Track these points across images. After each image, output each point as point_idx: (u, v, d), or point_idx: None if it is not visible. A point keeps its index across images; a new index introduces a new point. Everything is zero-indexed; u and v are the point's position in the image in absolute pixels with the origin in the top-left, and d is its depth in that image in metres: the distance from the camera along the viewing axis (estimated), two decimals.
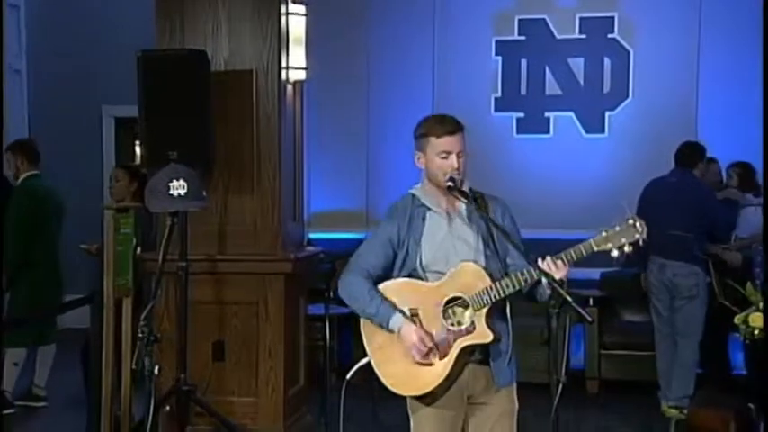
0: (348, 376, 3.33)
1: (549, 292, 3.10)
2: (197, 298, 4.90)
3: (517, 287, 3.10)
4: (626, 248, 3.07)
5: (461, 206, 3.25)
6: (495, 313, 3.18)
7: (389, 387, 3.22)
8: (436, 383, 3.16)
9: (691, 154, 6.23)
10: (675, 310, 6.13)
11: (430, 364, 3.14)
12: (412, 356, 3.14)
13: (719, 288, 6.20)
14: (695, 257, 6.08)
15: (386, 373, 3.22)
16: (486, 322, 3.12)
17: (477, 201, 3.22)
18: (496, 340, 3.16)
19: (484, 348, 3.19)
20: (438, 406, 3.22)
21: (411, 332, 3.12)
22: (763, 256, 5.51)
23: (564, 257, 3.08)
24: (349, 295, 3.24)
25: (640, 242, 3.07)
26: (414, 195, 3.28)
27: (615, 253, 3.08)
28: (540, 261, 3.07)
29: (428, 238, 3.21)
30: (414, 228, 3.22)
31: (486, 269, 3.16)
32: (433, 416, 3.23)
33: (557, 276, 3.04)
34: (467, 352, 3.16)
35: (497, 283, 3.11)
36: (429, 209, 3.24)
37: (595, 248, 3.08)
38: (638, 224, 3.07)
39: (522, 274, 3.09)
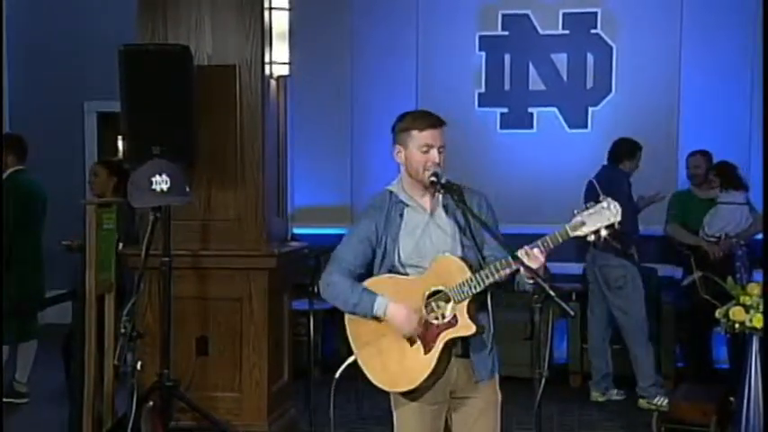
0: (337, 375, 3.30)
1: (528, 281, 3.08)
2: (180, 293, 4.88)
3: (496, 277, 3.09)
4: (602, 232, 3.03)
5: (439, 198, 3.24)
6: (477, 305, 3.18)
7: (378, 384, 3.22)
8: (423, 377, 3.16)
9: (617, 150, 6.48)
10: (609, 303, 6.41)
11: (416, 354, 3.13)
12: (403, 335, 3.12)
13: (701, 283, 6.26)
14: (621, 251, 6.22)
15: (376, 372, 3.22)
16: (469, 314, 3.13)
17: (455, 191, 3.19)
18: (479, 332, 3.17)
19: (464, 342, 3.19)
20: (421, 400, 3.23)
21: (398, 309, 3.12)
22: (764, 254, 5.56)
23: (540, 245, 3.06)
24: (332, 294, 3.24)
25: (615, 225, 3.03)
26: (391, 192, 3.28)
27: (592, 237, 3.05)
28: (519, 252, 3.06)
29: (405, 234, 3.21)
30: (391, 224, 3.22)
31: (464, 260, 3.16)
32: (416, 410, 3.24)
33: (533, 266, 3.02)
34: (450, 345, 3.17)
35: (477, 275, 3.11)
36: (407, 205, 3.24)
37: (571, 234, 3.04)
38: (612, 206, 3.03)
39: (501, 263, 3.08)
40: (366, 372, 3.24)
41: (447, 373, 3.21)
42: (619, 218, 3.02)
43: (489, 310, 3.25)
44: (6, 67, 8.83)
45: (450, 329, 3.14)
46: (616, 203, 3.03)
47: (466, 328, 3.13)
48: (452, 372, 3.22)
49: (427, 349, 3.15)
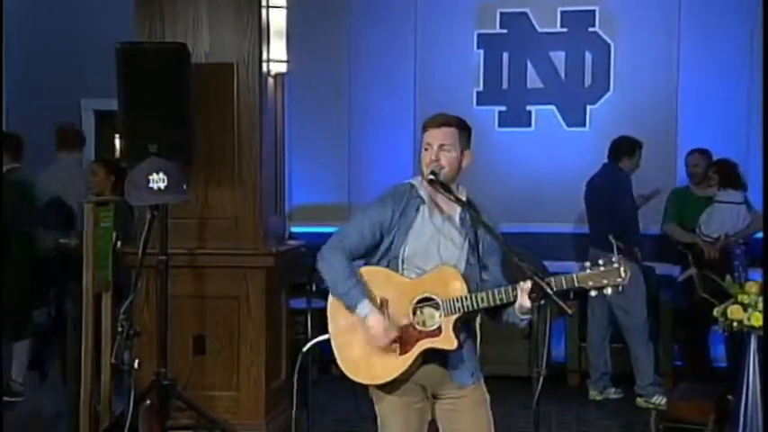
0: (304, 349, 3.32)
1: (521, 316, 3.09)
2: (177, 292, 4.88)
3: (491, 303, 3.09)
4: (606, 291, 3.05)
5: (455, 209, 3.23)
6: (464, 322, 3.16)
7: (345, 371, 3.20)
8: (392, 377, 3.15)
9: (617, 148, 6.46)
10: (611, 302, 6.32)
11: (390, 353, 3.12)
12: (373, 344, 3.12)
13: (699, 281, 6.26)
14: (625, 250, 6.22)
15: (344, 357, 3.21)
16: (454, 330, 3.10)
17: (472, 206, 3.21)
18: (459, 348, 3.15)
19: (443, 353, 3.16)
20: (402, 395, 3.20)
21: (377, 322, 3.10)
22: (764, 253, 5.56)
23: (546, 285, 3.03)
24: (325, 269, 3.22)
25: (620, 288, 3.06)
26: (413, 185, 3.27)
27: (594, 293, 3.08)
28: (521, 283, 3.04)
29: (416, 231, 3.18)
30: (405, 217, 3.19)
31: (465, 277, 3.14)
32: (399, 405, 3.22)
33: (525, 304, 3.03)
34: (427, 353, 3.14)
35: (473, 295, 3.09)
36: (424, 202, 3.23)
37: (577, 284, 3.06)
38: (622, 269, 3.04)
39: (499, 292, 3.08)
40: (337, 357, 3.22)
41: (421, 375, 3.18)
42: (626, 282, 3.05)
43: (477, 331, 3.24)
44: (4, 63, 8.82)
45: (431, 339, 3.11)
46: (627, 269, 3.05)
47: (448, 342, 3.10)
48: (428, 375, 3.19)
49: (403, 351, 3.13)
